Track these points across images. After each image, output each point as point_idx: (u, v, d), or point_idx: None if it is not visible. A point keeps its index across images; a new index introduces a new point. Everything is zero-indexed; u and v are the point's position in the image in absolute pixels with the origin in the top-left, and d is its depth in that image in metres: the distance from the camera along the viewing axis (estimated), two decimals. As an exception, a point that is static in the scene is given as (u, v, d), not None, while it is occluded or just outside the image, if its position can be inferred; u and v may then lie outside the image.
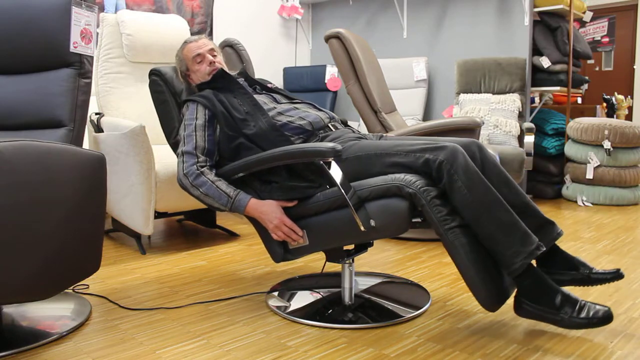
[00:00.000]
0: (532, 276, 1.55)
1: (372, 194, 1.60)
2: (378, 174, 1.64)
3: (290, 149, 1.70)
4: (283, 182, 1.75)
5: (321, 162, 1.63)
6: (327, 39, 2.97)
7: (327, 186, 1.70)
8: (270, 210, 1.72)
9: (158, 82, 2.18)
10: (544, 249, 1.56)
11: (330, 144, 1.62)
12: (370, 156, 1.69)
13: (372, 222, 1.60)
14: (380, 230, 1.60)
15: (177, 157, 1.90)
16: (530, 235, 1.55)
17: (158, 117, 2.18)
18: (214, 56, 2.13)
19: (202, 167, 1.83)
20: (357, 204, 1.61)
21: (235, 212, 1.78)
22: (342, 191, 1.59)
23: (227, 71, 2.10)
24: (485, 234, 1.55)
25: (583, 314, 1.50)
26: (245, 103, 1.93)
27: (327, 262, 1.88)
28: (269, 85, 2.16)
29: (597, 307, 1.51)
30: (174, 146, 2.10)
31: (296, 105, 2.00)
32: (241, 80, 2.11)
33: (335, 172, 1.62)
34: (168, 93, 2.16)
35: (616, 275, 1.65)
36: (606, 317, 1.49)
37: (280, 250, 1.78)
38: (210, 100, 1.93)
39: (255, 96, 1.99)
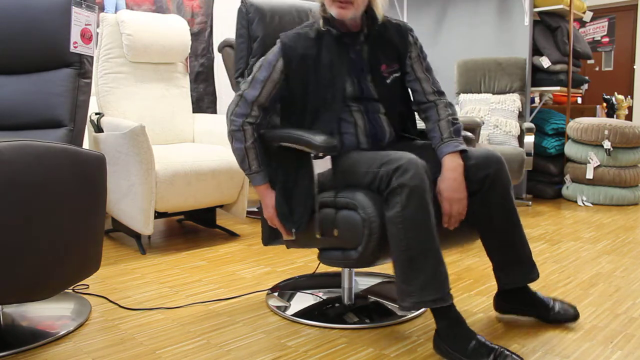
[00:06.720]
0: (449, 319, 1.48)
1: (337, 203, 1.58)
2: (346, 185, 1.61)
3: (290, 132, 1.66)
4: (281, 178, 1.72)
5: (311, 153, 1.60)
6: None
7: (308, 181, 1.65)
8: (269, 204, 1.73)
9: (242, 16, 1.96)
10: (448, 303, 1.46)
11: (324, 138, 1.57)
12: (348, 165, 1.64)
13: (335, 232, 1.58)
14: (341, 239, 1.58)
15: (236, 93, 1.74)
16: (438, 284, 1.45)
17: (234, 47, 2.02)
18: None
19: (250, 123, 1.71)
20: (330, 208, 1.59)
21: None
22: (315, 189, 1.59)
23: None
24: (396, 256, 1.47)
25: None
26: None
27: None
28: None
29: (514, 356, 1.42)
30: (238, 85, 1.94)
31: None
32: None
33: (318, 168, 1.60)
34: (246, 30, 1.95)
35: (573, 317, 1.73)
36: None
37: (269, 236, 1.84)
38: None
39: None
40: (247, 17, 1.93)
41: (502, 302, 1.80)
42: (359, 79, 1.73)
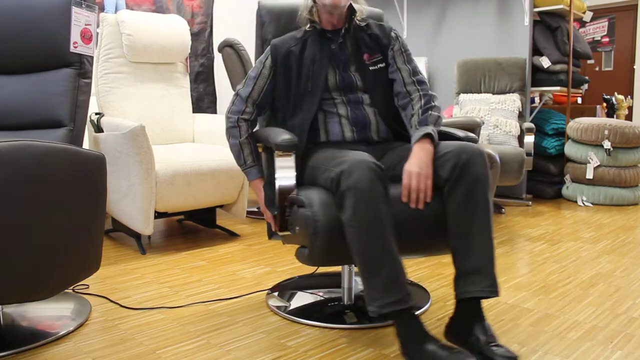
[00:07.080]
0: (407, 325, 1.39)
1: (297, 201, 1.58)
2: (312, 183, 1.63)
3: (261, 131, 1.77)
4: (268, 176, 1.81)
5: (274, 149, 1.63)
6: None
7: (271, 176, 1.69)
8: (263, 198, 1.80)
9: (258, 18, 2.00)
10: (407, 305, 1.37)
11: (284, 137, 1.61)
12: (313, 162, 1.67)
13: (297, 229, 1.58)
14: (302, 236, 1.57)
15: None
16: (397, 285, 1.38)
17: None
18: None
19: (245, 120, 1.83)
20: (294, 205, 1.60)
21: None
22: (277, 185, 1.61)
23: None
24: (355, 260, 1.43)
25: None
26: None
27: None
28: None
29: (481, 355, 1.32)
30: None
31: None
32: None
33: (281, 165, 1.62)
34: (260, 32, 2.00)
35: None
36: None
37: (272, 230, 1.86)
38: None
39: None
40: (261, 20, 2.01)
41: (455, 320, 1.50)
42: (342, 69, 1.80)
